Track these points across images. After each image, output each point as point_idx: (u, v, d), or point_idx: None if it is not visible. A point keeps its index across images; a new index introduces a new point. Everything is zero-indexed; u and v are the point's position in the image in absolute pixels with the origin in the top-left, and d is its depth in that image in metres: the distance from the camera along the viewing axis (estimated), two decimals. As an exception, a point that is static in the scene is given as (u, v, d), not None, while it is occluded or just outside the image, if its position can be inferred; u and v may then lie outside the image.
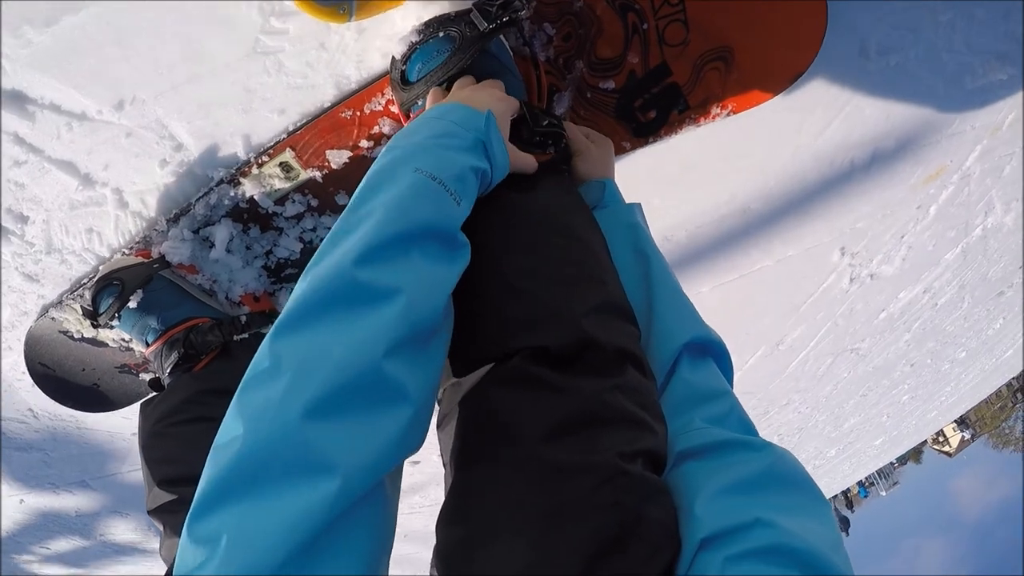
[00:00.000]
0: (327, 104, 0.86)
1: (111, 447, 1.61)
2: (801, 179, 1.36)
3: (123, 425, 1.48)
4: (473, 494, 0.47)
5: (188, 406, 0.91)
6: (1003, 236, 2.00)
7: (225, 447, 0.39)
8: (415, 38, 0.72)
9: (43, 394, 1.12)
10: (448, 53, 0.71)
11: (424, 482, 2.22)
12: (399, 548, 0.47)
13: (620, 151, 0.98)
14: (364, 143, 0.89)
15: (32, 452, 1.55)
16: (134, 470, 1.73)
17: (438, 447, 0.59)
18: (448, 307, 0.55)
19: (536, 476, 0.45)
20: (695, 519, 0.45)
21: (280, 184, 0.92)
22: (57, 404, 1.14)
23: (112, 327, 0.96)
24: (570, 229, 0.63)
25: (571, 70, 0.90)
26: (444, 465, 0.56)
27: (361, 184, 0.54)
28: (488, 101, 0.64)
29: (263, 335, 1.04)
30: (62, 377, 1.11)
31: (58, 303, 1.03)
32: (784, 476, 0.48)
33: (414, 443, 0.46)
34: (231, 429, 0.40)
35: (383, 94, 0.84)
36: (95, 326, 0.96)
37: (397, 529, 0.48)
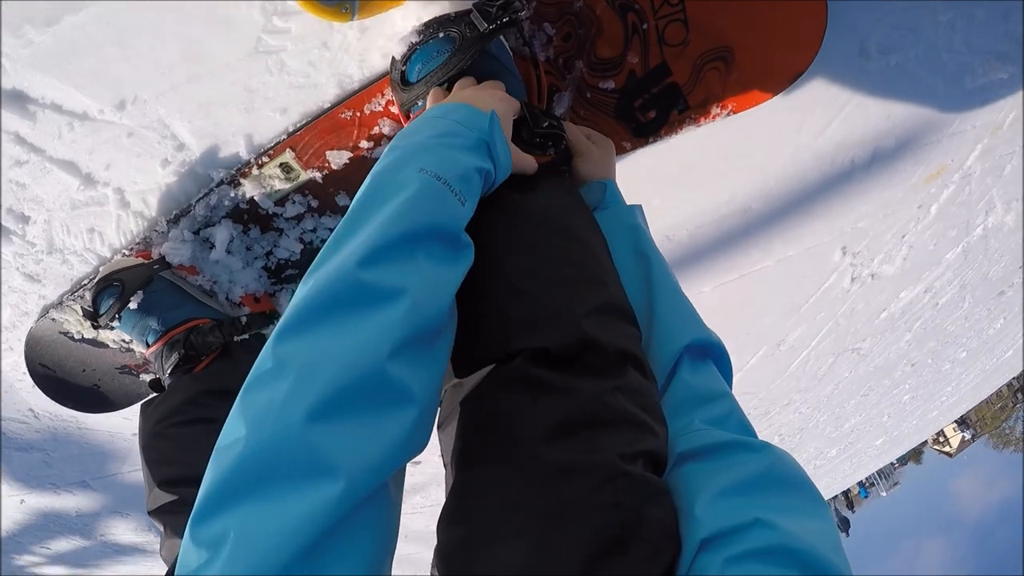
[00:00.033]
0: (329, 104, 0.86)
1: (112, 447, 1.61)
2: (801, 179, 1.36)
3: (124, 425, 1.48)
4: (474, 495, 0.47)
5: (189, 407, 0.92)
6: (1004, 235, 2.00)
7: (228, 449, 0.39)
8: (415, 39, 0.72)
9: (43, 395, 1.12)
10: (448, 54, 0.71)
11: (425, 483, 2.22)
12: (400, 548, 0.47)
13: (620, 151, 0.98)
14: (364, 144, 0.89)
15: (33, 452, 1.55)
16: (135, 470, 1.73)
17: (439, 448, 0.59)
18: (452, 308, 0.55)
19: (537, 477, 0.45)
20: (695, 520, 0.45)
21: (280, 185, 0.92)
22: (58, 405, 1.14)
23: (112, 328, 0.96)
24: (570, 230, 0.63)
25: (571, 70, 0.90)
26: (445, 466, 0.56)
27: (364, 185, 0.54)
28: (490, 101, 0.63)
29: (264, 336, 1.04)
30: (63, 378, 1.11)
31: (58, 304, 1.03)
32: (783, 477, 0.48)
33: (418, 445, 0.46)
34: (234, 431, 0.40)
35: (383, 95, 0.84)
36: (95, 327, 0.96)
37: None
